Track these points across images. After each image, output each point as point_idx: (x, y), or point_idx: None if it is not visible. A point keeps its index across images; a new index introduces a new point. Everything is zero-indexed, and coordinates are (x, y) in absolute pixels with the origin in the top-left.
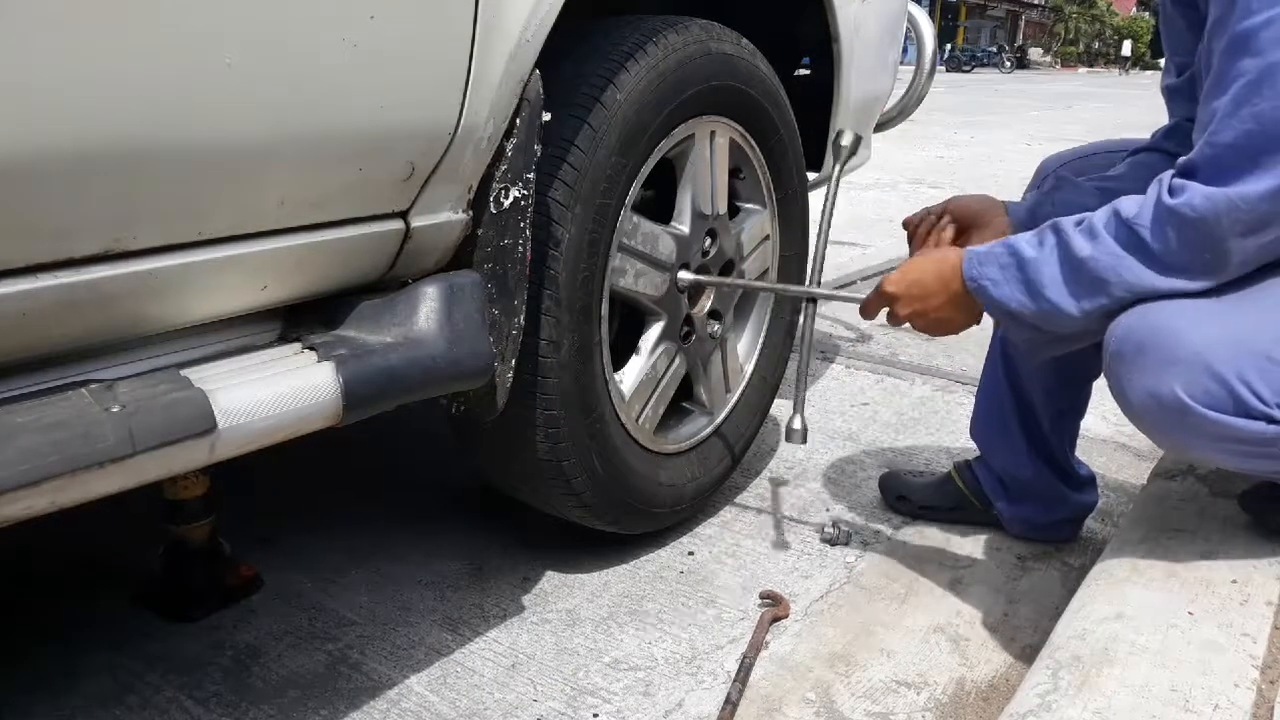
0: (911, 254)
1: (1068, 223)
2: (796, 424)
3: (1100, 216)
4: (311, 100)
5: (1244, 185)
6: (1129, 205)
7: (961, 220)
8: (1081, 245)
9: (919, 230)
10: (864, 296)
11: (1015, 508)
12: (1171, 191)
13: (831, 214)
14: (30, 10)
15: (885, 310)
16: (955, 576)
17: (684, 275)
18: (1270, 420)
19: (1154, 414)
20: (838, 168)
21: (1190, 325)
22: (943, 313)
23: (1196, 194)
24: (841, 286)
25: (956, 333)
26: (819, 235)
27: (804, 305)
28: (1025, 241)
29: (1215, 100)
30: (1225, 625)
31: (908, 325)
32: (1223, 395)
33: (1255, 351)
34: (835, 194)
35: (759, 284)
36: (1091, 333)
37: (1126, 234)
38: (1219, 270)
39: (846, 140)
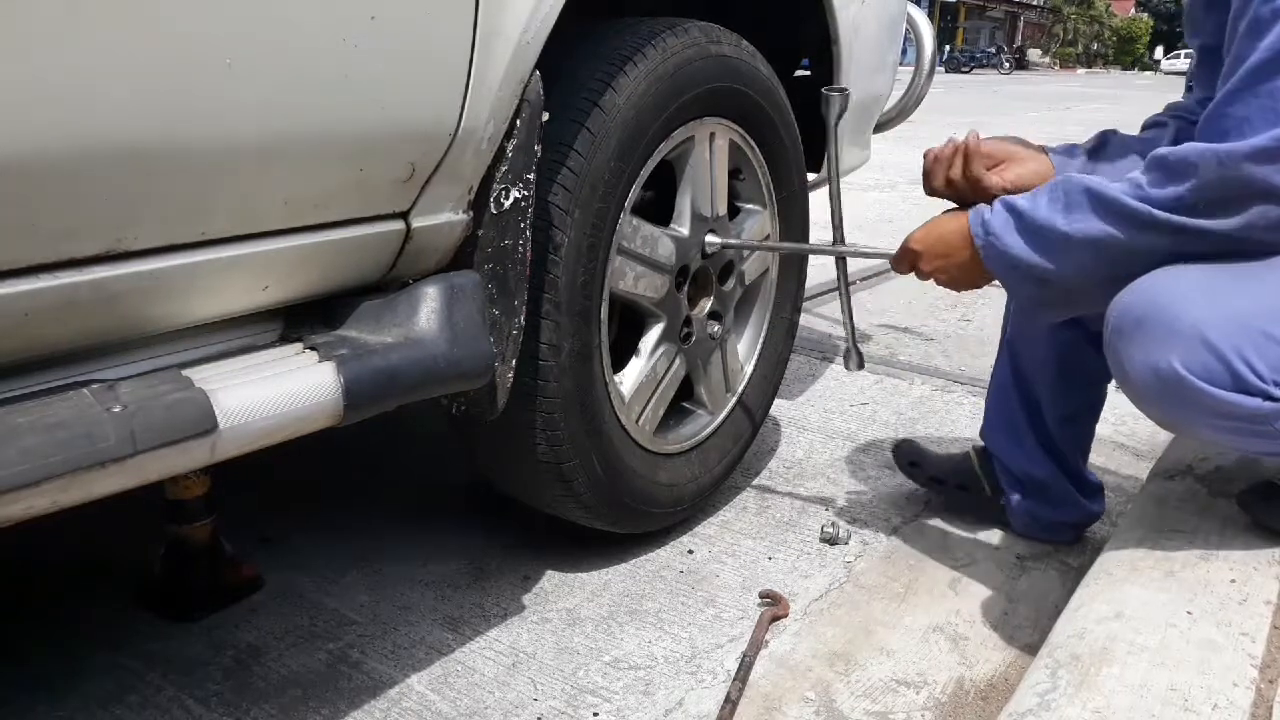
0: (925, 185)
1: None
2: (854, 354)
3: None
4: (312, 101)
5: (1229, 144)
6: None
7: (987, 159)
8: (1079, 180)
9: (936, 165)
10: (893, 252)
11: (1025, 502)
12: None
13: (836, 171)
14: (31, 10)
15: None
16: (955, 575)
17: (711, 239)
18: (1267, 397)
19: (1152, 388)
20: (834, 122)
21: (1189, 301)
22: (967, 269)
23: (1190, 148)
24: None
25: (980, 287)
26: (831, 194)
27: (836, 262)
28: (1022, 197)
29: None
30: (1224, 624)
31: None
32: (1220, 370)
33: (1254, 328)
34: (837, 153)
35: (789, 245)
36: (1089, 288)
37: (1124, 183)
38: (1204, 212)
39: (835, 98)
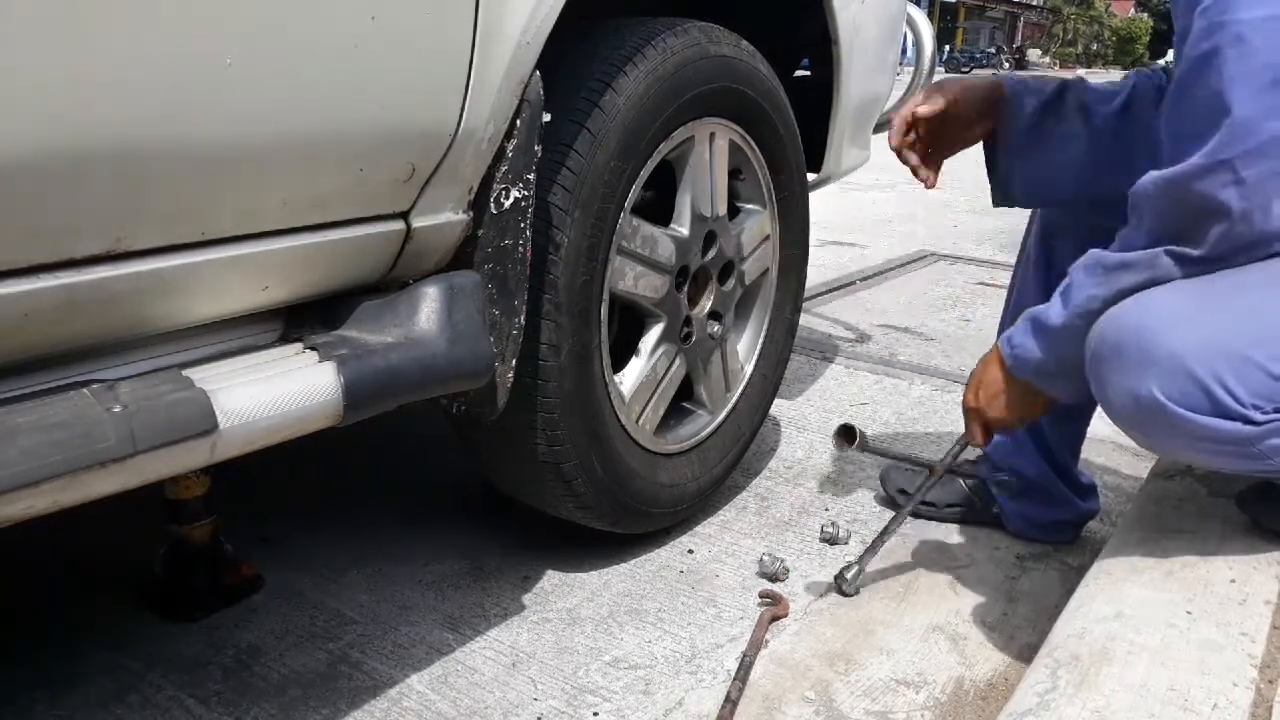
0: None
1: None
2: (850, 574)
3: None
4: (312, 101)
5: (1172, 169)
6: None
7: (948, 114)
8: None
9: (903, 148)
10: (962, 442)
11: (1017, 504)
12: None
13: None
14: (31, 10)
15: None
16: (954, 576)
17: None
18: (1247, 420)
19: (1133, 414)
20: None
21: (1166, 326)
22: (1020, 401)
23: (1141, 181)
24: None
25: (1047, 413)
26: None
27: (926, 476)
28: (1041, 307)
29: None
30: (1224, 624)
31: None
32: (1199, 396)
33: (1231, 352)
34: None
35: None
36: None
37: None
38: (1184, 239)
39: None
